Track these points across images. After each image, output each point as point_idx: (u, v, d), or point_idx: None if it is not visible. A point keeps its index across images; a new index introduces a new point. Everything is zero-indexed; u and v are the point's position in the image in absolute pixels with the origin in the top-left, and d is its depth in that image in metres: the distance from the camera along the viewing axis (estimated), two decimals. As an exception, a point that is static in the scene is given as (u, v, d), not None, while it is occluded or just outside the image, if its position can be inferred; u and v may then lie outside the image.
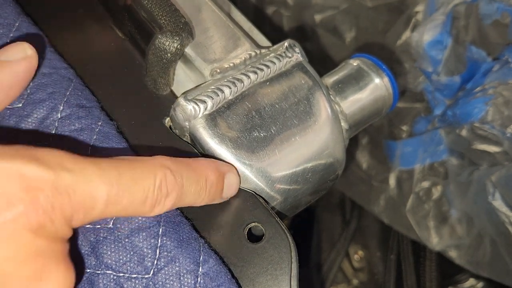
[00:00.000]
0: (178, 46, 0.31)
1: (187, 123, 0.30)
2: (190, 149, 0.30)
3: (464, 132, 0.46)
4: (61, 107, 0.29)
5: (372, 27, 0.53)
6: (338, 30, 0.54)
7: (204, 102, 0.30)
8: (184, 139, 0.31)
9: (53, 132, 0.29)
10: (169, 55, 0.31)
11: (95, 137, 0.29)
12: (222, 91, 0.31)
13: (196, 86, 0.31)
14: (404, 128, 0.54)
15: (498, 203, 0.44)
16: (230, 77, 0.31)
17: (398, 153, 0.55)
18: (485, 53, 0.47)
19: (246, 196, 0.29)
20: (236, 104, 0.31)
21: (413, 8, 0.50)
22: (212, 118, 0.30)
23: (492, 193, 0.45)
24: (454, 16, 0.47)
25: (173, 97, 0.33)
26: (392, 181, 0.56)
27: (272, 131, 0.31)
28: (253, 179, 0.30)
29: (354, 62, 0.38)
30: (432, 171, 0.53)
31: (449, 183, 0.51)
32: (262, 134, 0.30)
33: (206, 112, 0.30)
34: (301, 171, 0.31)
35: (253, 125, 0.31)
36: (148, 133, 0.31)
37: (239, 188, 0.29)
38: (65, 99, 0.29)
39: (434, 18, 0.48)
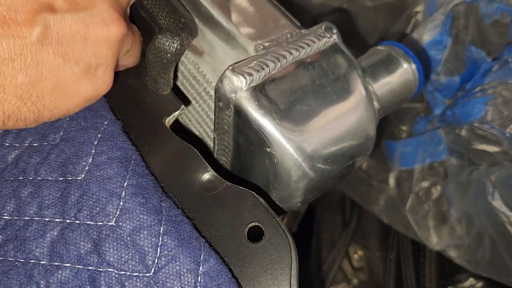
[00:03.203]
0: (178, 47, 0.31)
1: (233, 95, 0.31)
2: (190, 149, 0.30)
3: (463, 132, 0.46)
4: None
5: (372, 27, 0.53)
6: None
7: (250, 74, 0.31)
8: (227, 111, 0.32)
9: (61, 133, 0.30)
10: (169, 55, 0.31)
11: (99, 135, 0.29)
12: (267, 65, 0.32)
13: (241, 61, 0.32)
14: (404, 128, 0.54)
15: (497, 203, 0.44)
16: (274, 53, 0.32)
17: (398, 153, 0.55)
18: (484, 53, 0.47)
19: (246, 196, 0.29)
20: (280, 79, 0.32)
21: (413, 8, 0.50)
22: (258, 91, 0.31)
23: (491, 193, 0.45)
24: (454, 16, 0.47)
25: (173, 97, 0.33)
26: (392, 181, 0.56)
27: (313, 104, 0.32)
28: (292, 154, 0.31)
29: (383, 48, 0.39)
30: (431, 171, 0.53)
31: (449, 183, 0.51)
32: (304, 108, 0.31)
33: (252, 85, 0.31)
34: (338, 149, 0.33)
35: (296, 99, 0.31)
36: (148, 133, 0.31)
37: (239, 188, 0.29)
38: None
39: (433, 18, 0.48)
